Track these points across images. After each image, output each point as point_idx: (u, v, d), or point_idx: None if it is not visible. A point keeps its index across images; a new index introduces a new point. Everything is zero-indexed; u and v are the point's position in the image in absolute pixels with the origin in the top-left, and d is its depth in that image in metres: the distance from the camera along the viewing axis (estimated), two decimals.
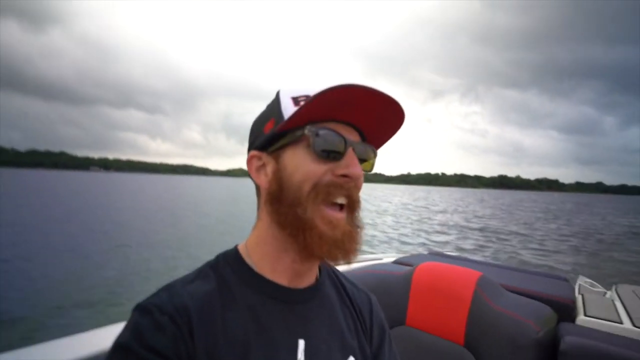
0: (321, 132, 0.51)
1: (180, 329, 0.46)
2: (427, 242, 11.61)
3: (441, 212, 26.11)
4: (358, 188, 0.54)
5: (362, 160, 0.54)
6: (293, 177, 0.52)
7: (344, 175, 0.52)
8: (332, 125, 0.53)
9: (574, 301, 1.31)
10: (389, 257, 1.88)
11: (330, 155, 0.51)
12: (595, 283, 1.81)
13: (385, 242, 10.93)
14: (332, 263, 0.58)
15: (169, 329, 0.45)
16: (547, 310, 1.15)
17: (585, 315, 1.22)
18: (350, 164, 0.52)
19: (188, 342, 0.46)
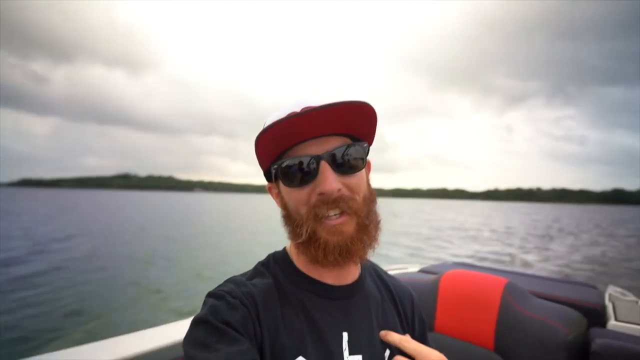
0: (284, 164, 0.54)
1: (249, 310, 0.53)
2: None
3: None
4: (351, 195, 0.55)
5: (359, 159, 0.56)
6: (290, 204, 0.58)
7: (322, 193, 0.53)
8: (302, 146, 0.54)
9: (603, 306, 1.33)
10: (413, 267, 1.93)
11: (303, 180, 0.54)
12: (626, 292, 1.76)
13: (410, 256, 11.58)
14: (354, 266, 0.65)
15: (241, 309, 0.52)
16: (576, 315, 1.16)
17: (617, 320, 1.24)
18: (322, 181, 0.53)
19: (255, 323, 0.52)
